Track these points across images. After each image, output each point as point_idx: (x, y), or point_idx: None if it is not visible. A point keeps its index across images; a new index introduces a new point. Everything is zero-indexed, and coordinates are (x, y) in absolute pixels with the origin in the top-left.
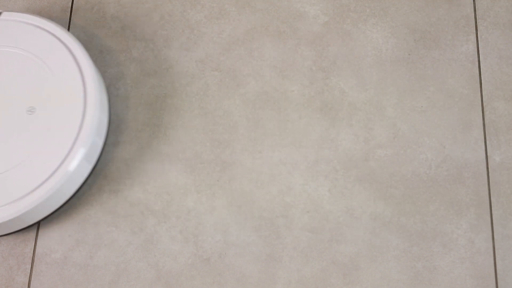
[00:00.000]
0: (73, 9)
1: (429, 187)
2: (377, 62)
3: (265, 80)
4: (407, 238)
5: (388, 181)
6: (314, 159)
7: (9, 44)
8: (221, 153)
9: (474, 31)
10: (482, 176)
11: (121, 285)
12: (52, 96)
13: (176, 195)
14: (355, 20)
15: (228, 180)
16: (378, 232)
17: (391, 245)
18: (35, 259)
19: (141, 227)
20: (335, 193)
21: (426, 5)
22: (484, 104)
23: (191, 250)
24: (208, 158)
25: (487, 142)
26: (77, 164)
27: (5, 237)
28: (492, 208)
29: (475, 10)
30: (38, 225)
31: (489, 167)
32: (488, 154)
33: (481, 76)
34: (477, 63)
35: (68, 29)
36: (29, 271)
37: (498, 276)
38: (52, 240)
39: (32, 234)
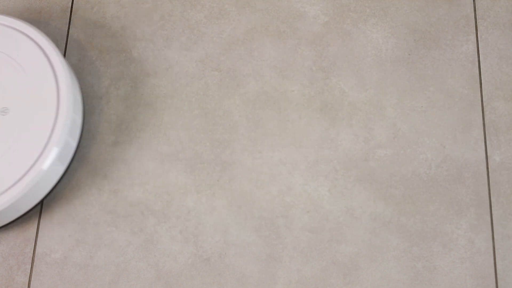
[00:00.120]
0: (73, 9)
1: (429, 187)
2: (377, 62)
3: (265, 80)
4: (407, 238)
5: (388, 181)
6: (314, 159)
7: None
8: (221, 153)
9: (474, 31)
10: (482, 176)
11: (121, 285)
12: (25, 97)
13: (176, 195)
14: (355, 20)
15: (228, 180)
16: (378, 232)
17: (391, 245)
18: (35, 259)
19: (141, 227)
20: (335, 193)
21: (426, 5)
22: (484, 104)
23: (191, 250)
24: (208, 158)
25: (487, 142)
26: (51, 163)
27: (5, 237)
28: (492, 208)
29: (475, 10)
30: (38, 225)
31: (489, 167)
32: (488, 154)
33: (481, 76)
34: (477, 63)
35: (68, 29)
36: (29, 271)
37: (498, 276)
38: (52, 240)
39: (32, 234)
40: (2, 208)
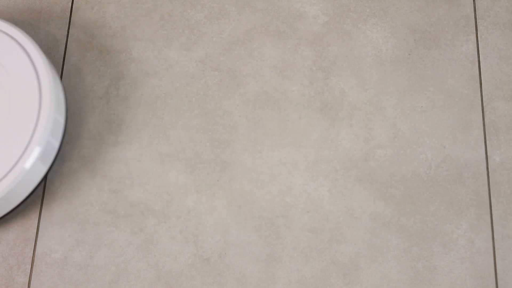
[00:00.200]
0: (73, 9)
1: (429, 187)
2: (377, 62)
3: (265, 80)
4: (407, 238)
5: (388, 181)
6: (314, 159)
7: None
8: (221, 153)
9: (474, 31)
10: (482, 176)
11: (121, 285)
12: (7, 96)
13: (176, 195)
14: (355, 20)
15: (228, 180)
16: (378, 232)
17: (391, 245)
18: (35, 259)
19: (141, 227)
20: (335, 193)
21: (426, 5)
22: (484, 104)
23: (191, 250)
24: (208, 158)
25: (487, 142)
26: (33, 163)
27: (5, 237)
28: (492, 208)
29: (475, 10)
30: (38, 225)
31: (489, 167)
32: (488, 154)
33: (481, 76)
34: (477, 63)
35: (68, 29)
36: (29, 271)
37: (498, 276)
38: (52, 240)
39: (32, 234)
40: None
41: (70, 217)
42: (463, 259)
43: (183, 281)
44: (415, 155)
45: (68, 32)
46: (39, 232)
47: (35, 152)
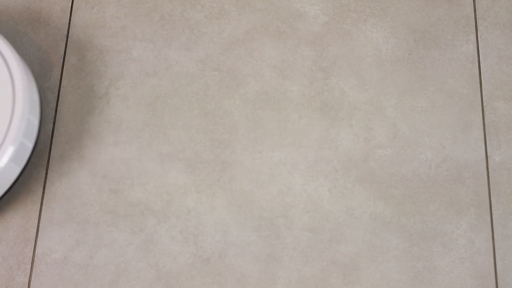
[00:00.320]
0: (73, 9)
1: (429, 187)
2: (377, 62)
3: (265, 80)
4: (407, 238)
5: (388, 181)
6: (314, 159)
7: None
8: (221, 153)
9: (474, 31)
10: (482, 176)
11: (121, 285)
12: None
13: (176, 195)
14: (355, 20)
15: (228, 180)
16: (378, 232)
17: (391, 245)
18: (35, 259)
19: (141, 227)
20: (335, 193)
21: (426, 5)
22: (484, 104)
23: (191, 250)
24: (208, 158)
25: (487, 142)
26: (6, 163)
27: (5, 237)
28: (492, 208)
29: (475, 10)
30: (38, 225)
31: (489, 167)
32: (488, 154)
33: (481, 76)
34: (477, 63)
35: (68, 29)
36: (29, 271)
37: (498, 276)
38: (52, 240)
39: (32, 234)
40: None
41: (70, 217)
42: (463, 259)
43: (183, 281)
44: (415, 155)
45: (68, 32)
46: (39, 232)
47: (8, 152)
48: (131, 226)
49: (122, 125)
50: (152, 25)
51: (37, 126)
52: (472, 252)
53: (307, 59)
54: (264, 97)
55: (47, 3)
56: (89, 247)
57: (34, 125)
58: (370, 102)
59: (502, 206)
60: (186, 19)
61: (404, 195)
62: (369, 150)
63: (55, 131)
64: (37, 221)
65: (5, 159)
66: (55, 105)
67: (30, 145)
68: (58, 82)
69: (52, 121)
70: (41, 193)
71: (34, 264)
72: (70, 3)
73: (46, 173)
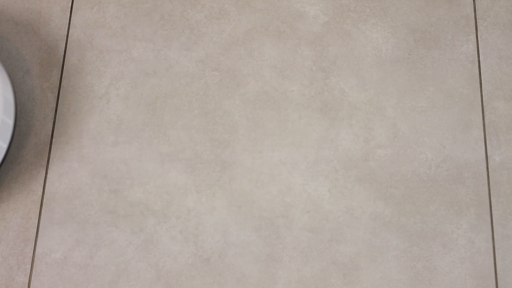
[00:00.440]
0: (73, 9)
1: (429, 187)
2: (377, 62)
3: (265, 80)
4: (407, 238)
5: (388, 181)
6: (314, 159)
7: None
8: (221, 153)
9: (474, 31)
10: (482, 176)
11: (121, 285)
12: None
13: (176, 195)
14: (355, 20)
15: (228, 180)
16: (378, 232)
17: (391, 245)
18: (35, 259)
19: (141, 227)
20: (335, 193)
21: (426, 5)
22: (484, 104)
23: (191, 250)
24: (208, 158)
25: (487, 142)
26: None
27: (5, 237)
28: (492, 208)
29: (475, 10)
30: (38, 225)
31: (489, 167)
32: (488, 154)
33: (481, 76)
34: (477, 63)
35: (68, 29)
36: (29, 271)
37: (498, 276)
38: (52, 240)
39: (32, 234)
40: None
41: (70, 217)
42: (463, 259)
43: (183, 281)
44: (415, 155)
45: (68, 32)
46: (39, 232)
47: None
48: (131, 226)
49: (122, 125)
50: (152, 25)
51: (11, 127)
52: (472, 252)
53: (307, 59)
54: (264, 97)
55: (47, 3)
56: (89, 247)
57: (8, 126)
58: (370, 102)
59: (502, 206)
60: (186, 19)
61: (404, 195)
62: (369, 150)
63: (55, 131)
64: (37, 221)
65: None
66: (55, 105)
67: (4, 146)
68: (58, 82)
69: (52, 121)
70: (41, 193)
71: (34, 264)
72: (70, 3)
73: (46, 173)
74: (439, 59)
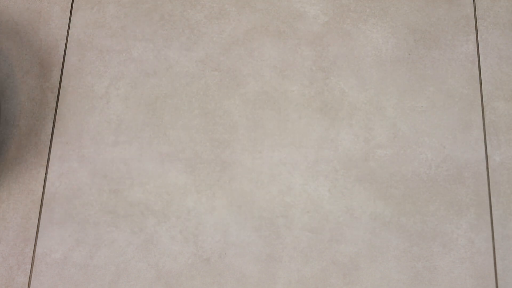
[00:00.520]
0: (73, 9)
1: (429, 187)
2: (377, 62)
3: (265, 80)
4: (407, 238)
5: (388, 181)
6: (314, 159)
7: None
8: (221, 153)
9: (474, 31)
10: (482, 176)
11: (121, 285)
12: None
13: (176, 195)
14: (355, 20)
15: (228, 180)
16: (378, 232)
17: (391, 245)
18: (35, 259)
19: (141, 227)
20: (335, 193)
21: (426, 5)
22: (484, 104)
23: (191, 250)
24: (208, 158)
25: (487, 142)
26: None
27: (5, 237)
28: (492, 208)
29: (475, 10)
30: (38, 225)
31: (489, 167)
32: (488, 154)
33: (481, 76)
34: (477, 63)
35: (68, 29)
36: (29, 271)
37: (498, 276)
38: (52, 240)
39: (32, 234)
40: None
41: (70, 217)
42: (463, 259)
43: (183, 281)
44: (415, 155)
45: (68, 32)
46: (39, 232)
47: None
48: (131, 226)
49: (122, 125)
50: (152, 25)
51: None
52: (472, 252)
53: (307, 59)
54: (264, 97)
55: (47, 3)
56: (89, 247)
57: None
58: (370, 102)
59: (502, 206)
60: (186, 19)
61: (404, 195)
62: (369, 150)
63: (55, 131)
64: (37, 221)
65: None
66: (55, 105)
67: None
68: (58, 82)
69: (52, 121)
70: (41, 193)
71: (34, 264)
72: (70, 3)
73: (46, 173)
74: (439, 59)
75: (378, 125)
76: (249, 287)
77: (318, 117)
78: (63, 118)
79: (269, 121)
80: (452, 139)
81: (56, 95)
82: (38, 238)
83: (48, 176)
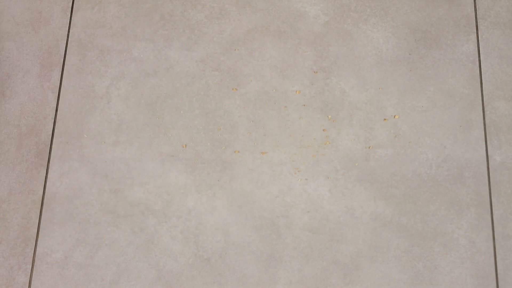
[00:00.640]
0: (73, 9)
1: (429, 187)
2: (378, 62)
3: (266, 80)
4: (408, 238)
5: (388, 181)
6: (314, 159)
7: None
8: (221, 153)
9: (475, 31)
10: (482, 176)
11: (122, 285)
12: None
13: (176, 195)
14: (355, 20)
15: (229, 180)
16: (378, 232)
17: (391, 245)
18: (36, 259)
19: (142, 227)
20: (336, 193)
21: (427, 5)
22: (485, 104)
23: (191, 250)
24: (209, 158)
25: (488, 142)
26: None
27: (6, 237)
28: (493, 208)
29: (475, 10)
30: (38, 225)
31: (489, 167)
32: (488, 154)
33: (482, 76)
34: (477, 62)
35: (68, 29)
36: (29, 271)
37: (498, 276)
38: (52, 240)
39: (32, 234)
40: None
41: (71, 217)
42: (464, 259)
43: (184, 281)
44: (415, 155)
45: (68, 32)
46: (40, 232)
47: None
48: (132, 226)
49: (123, 125)
50: (153, 25)
51: None
52: (472, 252)
53: (307, 59)
54: (264, 97)
55: (48, 3)
56: (89, 247)
57: None
58: (371, 102)
59: (502, 206)
60: (186, 19)
61: (405, 195)
62: (369, 150)
63: (55, 131)
64: (37, 221)
65: None
66: (55, 105)
67: None
68: (59, 82)
69: (53, 121)
70: (42, 193)
71: (35, 264)
72: (71, 3)
73: (46, 173)
74: (439, 59)
75: (379, 125)
76: (249, 287)
77: (318, 117)
78: (63, 118)
79: (269, 121)
80: (453, 139)
81: (57, 95)
82: (39, 238)
83: (48, 176)
